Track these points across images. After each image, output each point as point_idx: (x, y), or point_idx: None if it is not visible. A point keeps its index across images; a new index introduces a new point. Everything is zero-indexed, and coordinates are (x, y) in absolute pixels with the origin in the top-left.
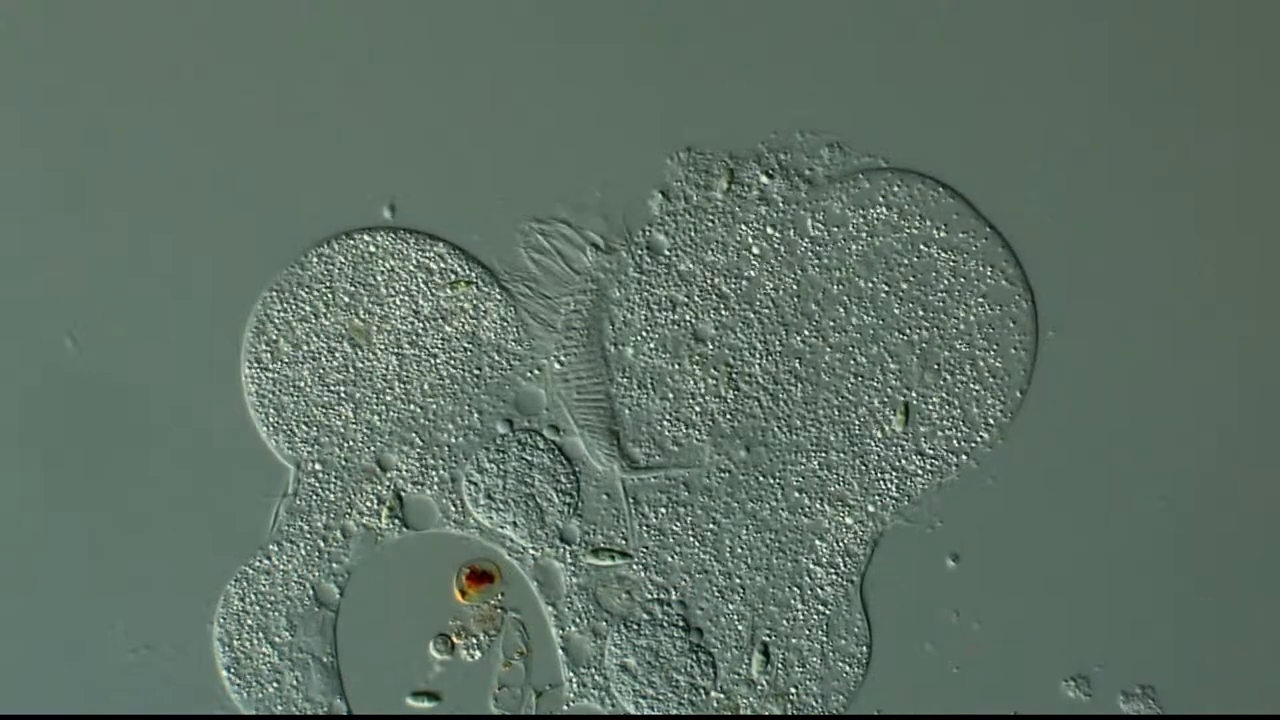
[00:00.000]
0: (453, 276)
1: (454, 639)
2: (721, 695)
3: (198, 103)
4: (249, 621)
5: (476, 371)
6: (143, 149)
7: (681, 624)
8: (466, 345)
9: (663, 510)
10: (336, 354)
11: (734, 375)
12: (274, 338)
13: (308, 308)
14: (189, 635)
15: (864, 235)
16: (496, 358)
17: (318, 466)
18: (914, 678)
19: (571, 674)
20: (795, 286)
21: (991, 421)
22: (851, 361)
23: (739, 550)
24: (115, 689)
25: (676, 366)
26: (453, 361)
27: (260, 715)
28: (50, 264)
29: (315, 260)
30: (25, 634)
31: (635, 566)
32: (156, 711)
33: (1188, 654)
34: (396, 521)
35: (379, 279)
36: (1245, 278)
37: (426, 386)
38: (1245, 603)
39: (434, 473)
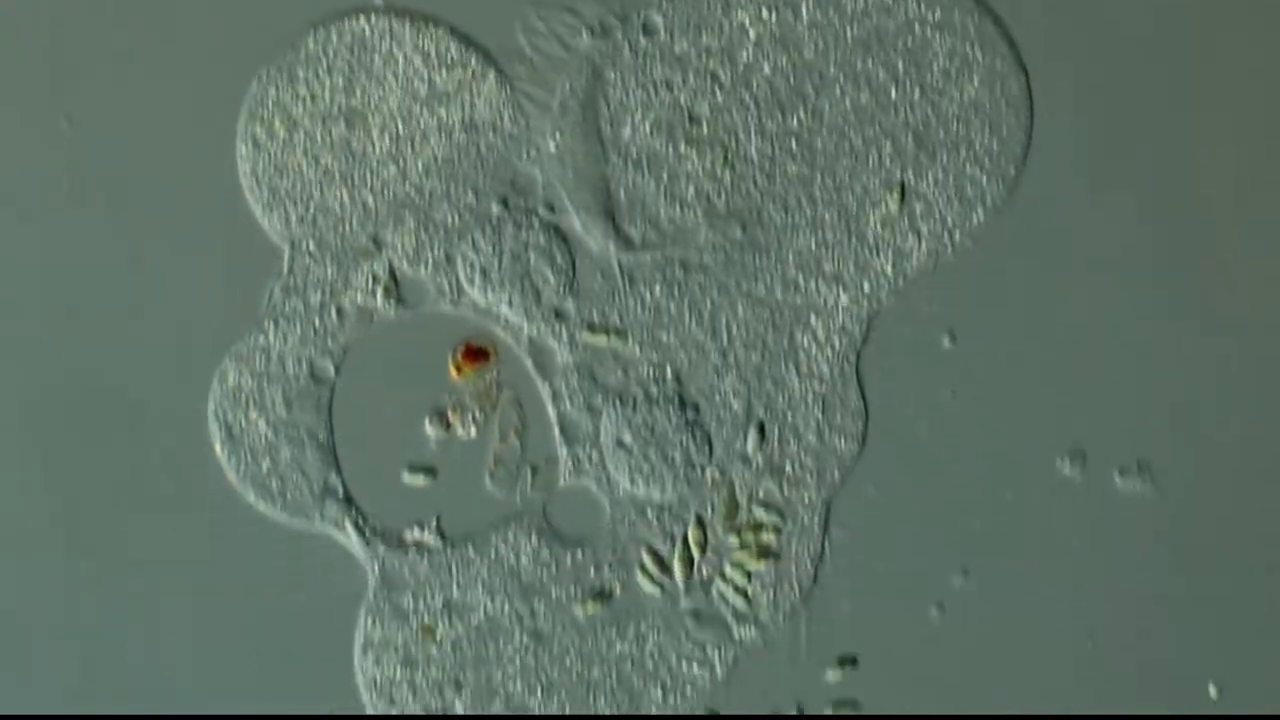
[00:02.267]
0: (450, 60)
1: (450, 416)
2: (717, 472)
3: None
4: (244, 399)
5: (473, 152)
6: None
7: (677, 401)
8: (462, 126)
9: (658, 288)
10: (332, 133)
11: (730, 156)
12: (269, 119)
13: (304, 89)
14: (187, 418)
15: (860, 17)
16: (492, 138)
17: (312, 246)
18: (909, 455)
19: (567, 450)
20: (791, 68)
21: (987, 201)
22: (847, 142)
23: (735, 328)
24: (112, 482)
25: (672, 148)
26: (449, 142)
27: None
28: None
29: (312, 43)
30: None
31: (631, 344)
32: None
33: (1185, 430)
34: (392, 300)
35: (376, 61)
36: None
37: (421, 166)
38: (1245, 378)
39: (429, 252)
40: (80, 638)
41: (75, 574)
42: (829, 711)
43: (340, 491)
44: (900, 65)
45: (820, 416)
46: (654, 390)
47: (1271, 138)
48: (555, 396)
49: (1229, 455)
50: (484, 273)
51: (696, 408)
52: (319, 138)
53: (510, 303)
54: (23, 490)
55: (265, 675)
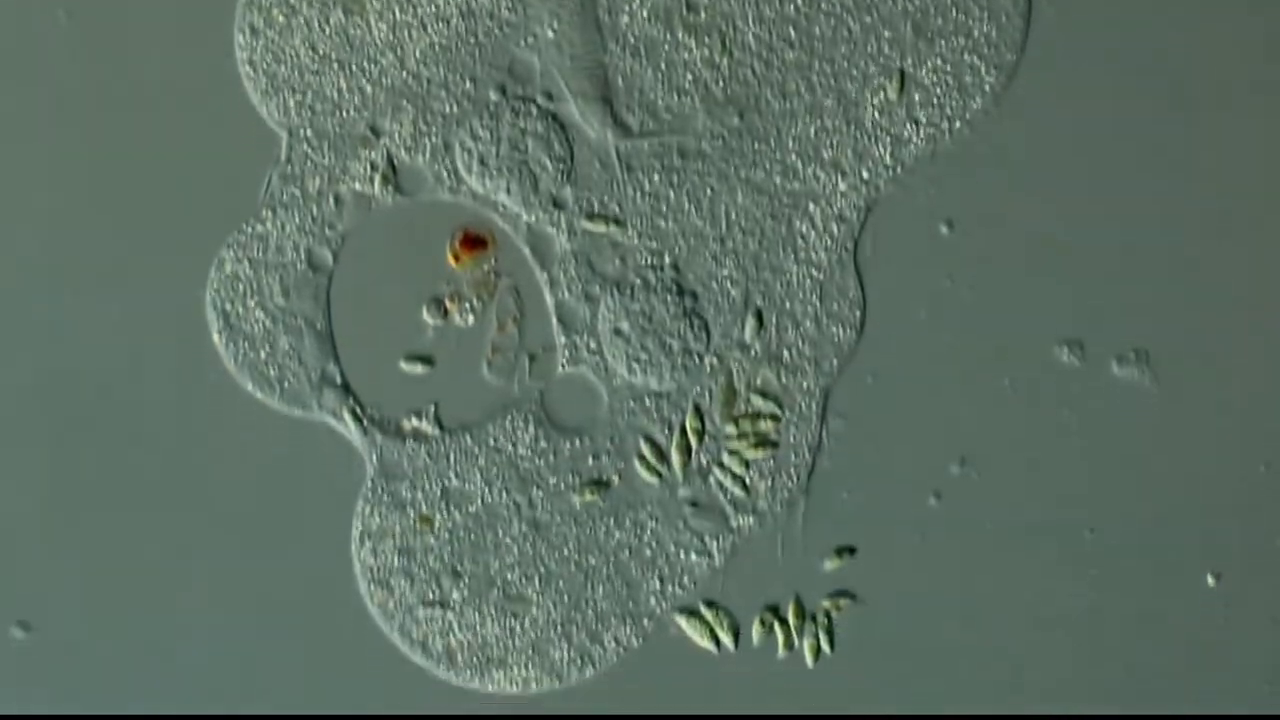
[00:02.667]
0: None
1: (448, 304)
2: (715, 360)
3: None
4: (242, 287)
5: (471, 39)
6: None
7: (675, 288)
8: (460, 13)
9: (656, 176)
10: (330, 21)
11: (728, 42)
12: (267, 6)
13: None
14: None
15: None
16: (490, 25)
17: (310, 133)
18: (907, 344)
19: (564, 339)
20: None
21: (986, 89)
22: (845, 29)
23: (733, 215)
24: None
25: (669, 34)
26: (446, 29)
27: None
28: None
29: None
30: None
31: (629, 232)
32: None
33: (1184, 320)
34: (390, 188)
35: None
36: None
37: (419, 54)
38: (1244, 268)
39: (427, 140)
40: (73, 527)
41: (69, 465)
42: (825, 603)
43: (338, 380)
44: None
45: (818, 304)
46: (652, 278)
47: (1277, 30)
48: (553, 284)
49: (1227, 345)
50: (482, 161)
51: (694, 295)
52: (317, 25)
53: (508, 190)
54: (18, 376)
55: (261, 565)
